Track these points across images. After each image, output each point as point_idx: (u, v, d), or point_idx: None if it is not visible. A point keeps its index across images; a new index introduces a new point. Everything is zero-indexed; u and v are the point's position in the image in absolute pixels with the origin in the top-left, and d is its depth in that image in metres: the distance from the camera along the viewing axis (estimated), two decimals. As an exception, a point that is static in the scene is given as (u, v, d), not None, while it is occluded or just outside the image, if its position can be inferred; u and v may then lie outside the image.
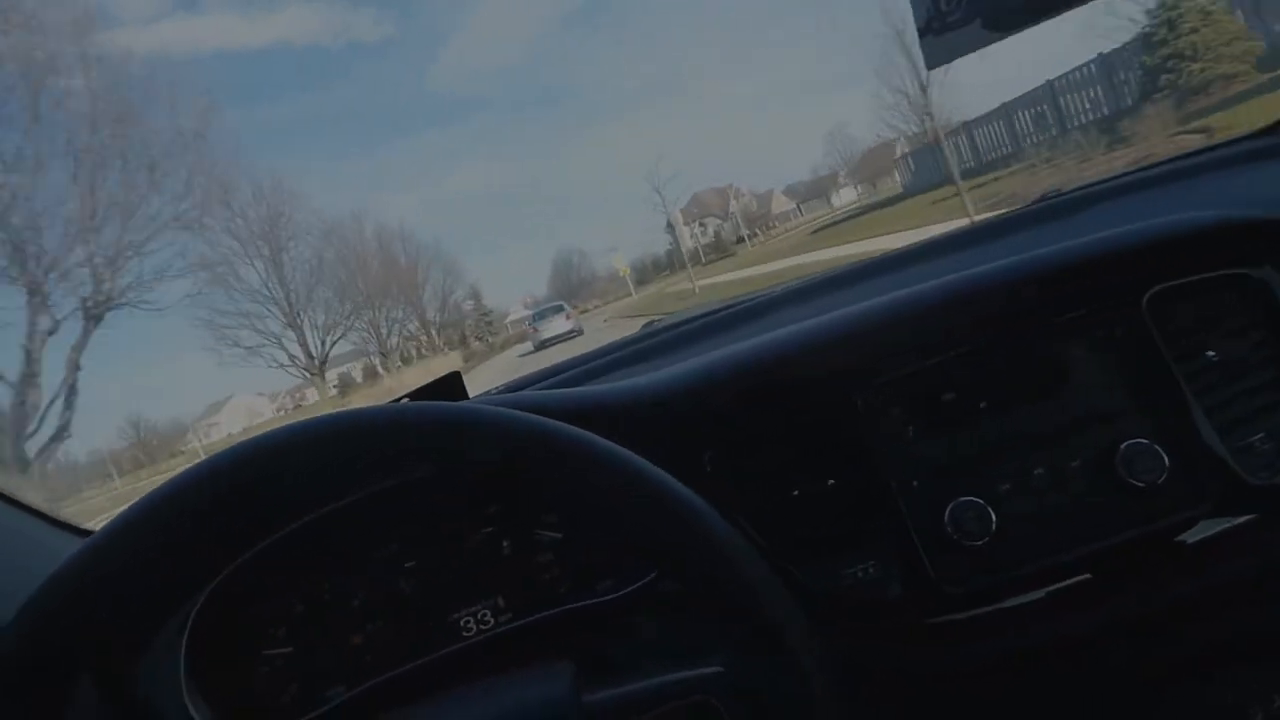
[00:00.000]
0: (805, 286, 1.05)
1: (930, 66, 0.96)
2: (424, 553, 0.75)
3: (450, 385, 0.79)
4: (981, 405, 0.75)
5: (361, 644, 0.74)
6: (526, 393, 0.84)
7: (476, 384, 0.85)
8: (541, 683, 0.57)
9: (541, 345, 22.14)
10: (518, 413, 0.52)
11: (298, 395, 41.23)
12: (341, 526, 0.68)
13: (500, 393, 0.92)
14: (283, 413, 38.40)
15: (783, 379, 0.76)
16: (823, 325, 0.78)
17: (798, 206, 58.66)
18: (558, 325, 22.98)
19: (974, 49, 0.92)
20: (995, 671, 0.73)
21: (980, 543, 0.70)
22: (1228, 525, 0.74)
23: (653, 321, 1.10)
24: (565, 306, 25.16)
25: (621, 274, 33.68)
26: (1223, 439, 0.73)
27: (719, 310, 1.06)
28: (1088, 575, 0.74)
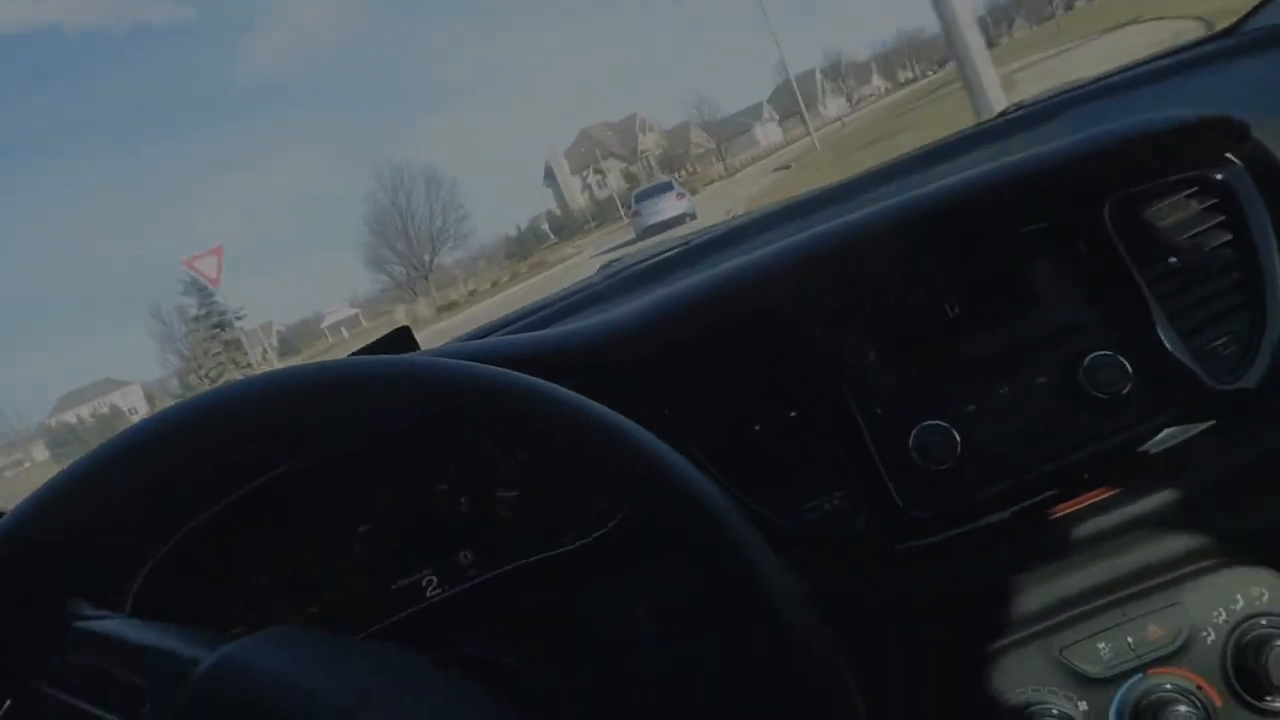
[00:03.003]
0: (765, 216, 1.03)
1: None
2: (377, 515, 0.73)
3: (399, 340, 0.77)
4: (943, 326, 0.74)
5: (319, 615, 0.72)
6: (483, 341, 0.81)
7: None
8: None
9: (646, 232, 18.00)
10: (453, 362, 0.49)
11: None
12: (285, 493, 0.66)
13: (459, 341, 0.88)
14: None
15: (737, 311, 0.74)
16: (775, 254, 0.76)
17: (718, 146, 51.37)
18: (666, 207, 18.23)
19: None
20: (962, 595, 0.73)
21: (946, 466, 0.69)
22: (1192, 432, 0.73)
23: (611, 264, 1.08)
24: (674, 184, 20.16)
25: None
26: (1186, 345, 0.72)
27: (679, 245, 1.03)
28: (1055, 491, 0.73)
